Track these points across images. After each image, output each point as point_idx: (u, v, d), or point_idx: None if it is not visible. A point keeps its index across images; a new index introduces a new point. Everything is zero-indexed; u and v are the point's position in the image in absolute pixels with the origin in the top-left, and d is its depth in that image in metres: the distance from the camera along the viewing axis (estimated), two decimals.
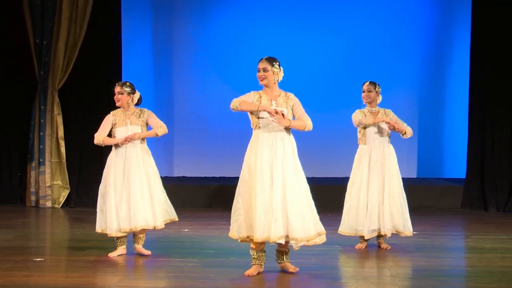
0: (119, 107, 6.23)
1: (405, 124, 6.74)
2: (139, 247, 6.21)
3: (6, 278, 5.29)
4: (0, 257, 6.04)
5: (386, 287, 5.13)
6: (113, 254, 6.14)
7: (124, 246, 6.20)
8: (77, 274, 5.45)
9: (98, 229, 6.14)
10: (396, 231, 6.61)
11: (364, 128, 6.69)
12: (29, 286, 5.07)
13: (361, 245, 6.67)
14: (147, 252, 6.19)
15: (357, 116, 6.71)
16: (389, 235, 6.57)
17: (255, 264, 5.44)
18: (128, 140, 6.04)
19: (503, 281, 5.30)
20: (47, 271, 5.61)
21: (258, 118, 5.35)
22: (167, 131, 6.19)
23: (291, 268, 5.52)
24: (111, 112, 6.24)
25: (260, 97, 5.42)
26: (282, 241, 5.31)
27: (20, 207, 9.37)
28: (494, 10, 9.32)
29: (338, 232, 6.64)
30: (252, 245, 5.40)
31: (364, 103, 6.74)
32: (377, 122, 6.64)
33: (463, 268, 6.11)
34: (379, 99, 6.74)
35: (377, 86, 6.72)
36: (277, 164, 5.29)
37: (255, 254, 5.43)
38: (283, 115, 5.28)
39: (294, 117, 5.44)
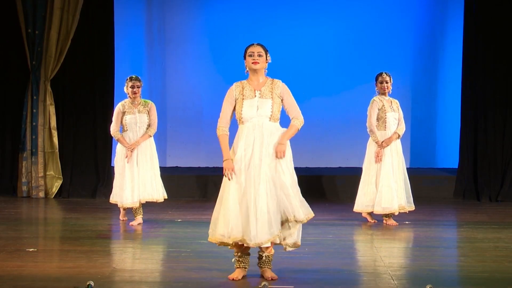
0: (124, 99, 7.20)
1: (403, 124, 7.34)
2: (140, 217, 7.22)
3: None
4: None
5: (379, 277, 5.15)
6: (134, 223, 7.16)
7: (141, 216, 7.23)
8: (71, 264, 5.44)
9: (112, 200, 7.33)
10: (401, 209, 7.18)
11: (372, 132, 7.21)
12: (22, 277, 5.06)
13: (372, 221, 7.34)
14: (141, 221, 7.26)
15: (371, 121, 7.18)
16: (396, 213, 7.17)
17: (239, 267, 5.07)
18: (132, 150, 7.12)
19: (496, 271, 5.32)
20: (40, 261, 5.59)
21: (241, 112, 5.01)
22: (156, 131, 7.28)
23: (266, 274, 5.04)
24: (120, 103, 7.21)
25: (243, 88, 5.05)
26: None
27: (12, 198, 9.31)
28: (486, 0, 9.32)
29: (354, 210, 7.34)
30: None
31: (386, 93, 7.22)
32: (384, 146, 7.16)
33: (455, 258, 6.14)
34: None
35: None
36: (253, 163, 4.92)
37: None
38: (278, 153, 4.90)
39: (283, 107, 5.05)
